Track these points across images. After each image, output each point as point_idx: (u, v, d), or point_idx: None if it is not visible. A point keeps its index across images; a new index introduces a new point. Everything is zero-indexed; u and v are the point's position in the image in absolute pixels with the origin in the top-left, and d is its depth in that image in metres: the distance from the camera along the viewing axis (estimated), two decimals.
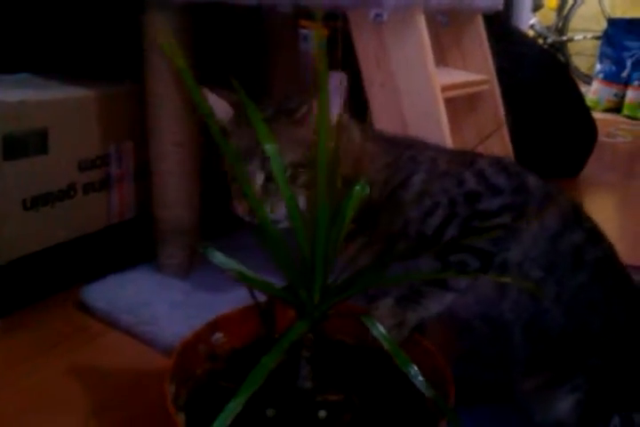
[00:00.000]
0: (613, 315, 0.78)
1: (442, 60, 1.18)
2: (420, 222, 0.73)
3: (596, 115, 3.40)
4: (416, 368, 0.56)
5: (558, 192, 0.79)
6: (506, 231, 0.73)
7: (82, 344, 1.08)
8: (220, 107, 0.78)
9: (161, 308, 1.13)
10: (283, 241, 0.57)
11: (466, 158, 0.76)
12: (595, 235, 0.80)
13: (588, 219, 0.80)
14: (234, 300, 0.74)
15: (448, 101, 1.07)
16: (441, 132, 0.93)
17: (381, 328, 0.58)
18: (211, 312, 0.78)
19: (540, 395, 0.79)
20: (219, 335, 0.76)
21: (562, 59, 4.26)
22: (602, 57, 3.64)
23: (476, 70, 1.17)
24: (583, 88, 3.74)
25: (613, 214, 2.09)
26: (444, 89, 1.00)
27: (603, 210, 2.11)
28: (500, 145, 1.19)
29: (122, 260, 1.27)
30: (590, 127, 2.23)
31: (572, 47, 4.38)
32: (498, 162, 0.77)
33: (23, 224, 1.06)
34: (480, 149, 1.22)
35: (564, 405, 0.77)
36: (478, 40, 1.16)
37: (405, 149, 0.78)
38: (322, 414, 0.64)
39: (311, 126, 0.69)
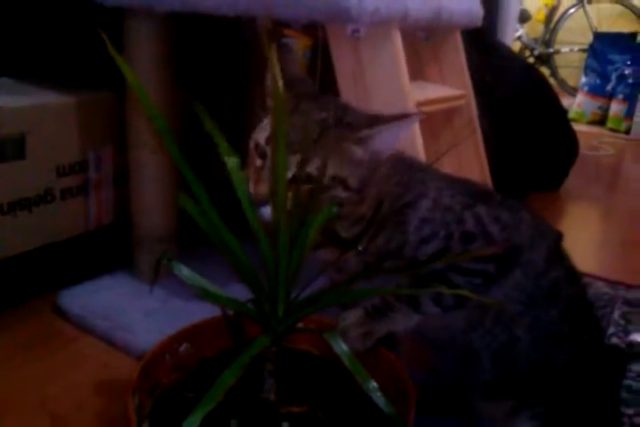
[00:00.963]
0: (577, 351, 0.81)
1: (420, 73, 1.19)
2: (416, 248, 0.74)
3: (581, 127, 3.46)
4: (375, 384, 0.57)
5: (547, 228, 0.82)
6: (486, 279, 0.75)
7: (56, 349, 1.08)
8: None
9: (136, 315, 1.13)
10: (244, 257, 0.58)
11: (466, 200, 0.77)
12: (572, 273, 0.83)
13: (568, 256, 0.83)
14: (209, 308, 0.72)
15: (423, 117, 1.09)
16: (414, 147, 0.94)
17: (343, 345, 0.58)
18: (185, 320, 0.79)
19: (501, 419, 0.81)
20: (186, 346, 0.76)
21: (548, 70, 4.31)
22: (587, 70, 3.68)
23: (453, 85, 1.18)
24: (569, 100, 3.79)
25: (594, 227, 2.11)
26: (420, 104, 1.01)
27: (584, 223, 2.13)
28: (475, 159, 1.21)
29: (99, 265, 1.27)
30: (571, 141, 2.25)
31: (558, 59, 4.42)
32: (494, 211, 0.78)
33: (0, 229, 1.06)
34: (455, 164, 1.24)
35: None
36: (456, 55, 1.17)
37: (418, 171, 0.79)
38: (285, 426, 0.65)
39: (370, 149, 0.69)
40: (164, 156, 1.14)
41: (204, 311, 0.77)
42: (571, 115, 3.60)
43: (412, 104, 0.96)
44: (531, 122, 1.98)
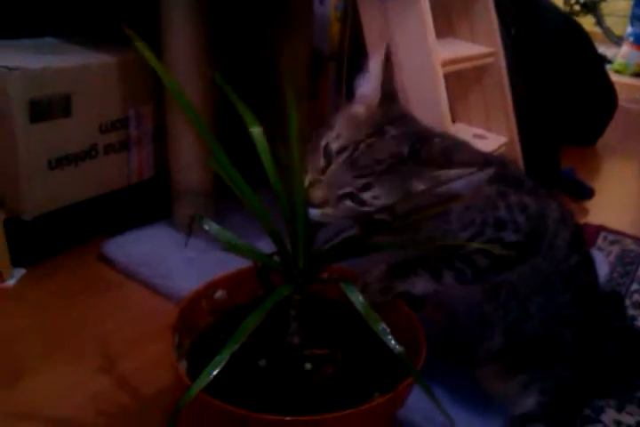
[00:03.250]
0: (583, 334, 0.87)
1: (450, 31, 1.20)
2: (456, 234, 0.78)
3: (624, 79, 3.35)
4: (385, 327, 0.62)
5: (571, 215, 0.87)
6: (508, 263, 0.80)
7: (102, 293, 1.17)
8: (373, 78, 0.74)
9: (176, 263, 1.21)
10: (266, 211, 0.63)
11: (501, 188, 0.80)
12: (587, 260, 0.88)
13: (585, 243, 0.88)
14: (244, 259, 0.76)
15: (452, 74, 1.11)
16: (439, 107, 0.97)
17: (357, 293, 0.64)
18: (222, 270, 0.84)
19: (513, 396, 0.87)
20: (222, 292, 0.83)
21: (594, 19, 4.14)
22: (633, 19, 3.53)
23: (483, 42, 1.18)
24: (614, 50, 3.67)
25: (630, 185, 2.09)
26: (447, 63, 1.03)
27: (619, 179, 2.11)
28: (504, 118, 1.22)
29: (141, 217, 1.35)
30: (610, 94, 2.21)
31: (604, 7, 4.23)
32: (523, 199, 0.81)
33: (49, 183, 1.14)
34: (483, 123, 1.26)
35: (532, 401, 0.86)
36: (487, 11, 1.17)
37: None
38: (308, 366, 0.72)
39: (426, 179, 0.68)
40: (199, 111, 1.18)
41: (239, 262, 0.80)
42: (614, 66, 3.49)
43: (438, 64, 0.98)
44: (566, 74, 1.94)
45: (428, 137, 0.73)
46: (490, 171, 0.65)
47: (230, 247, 0.63)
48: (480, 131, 1.24)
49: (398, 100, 0.76)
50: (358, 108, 0.73)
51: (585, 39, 2.08)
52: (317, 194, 0.68)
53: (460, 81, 1.22)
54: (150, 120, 1.28)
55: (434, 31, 0.95)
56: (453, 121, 1.16)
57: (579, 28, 2.05)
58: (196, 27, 1.13)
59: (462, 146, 0.81)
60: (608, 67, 2.77)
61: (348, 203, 0.69)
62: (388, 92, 0.73)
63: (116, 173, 1.27)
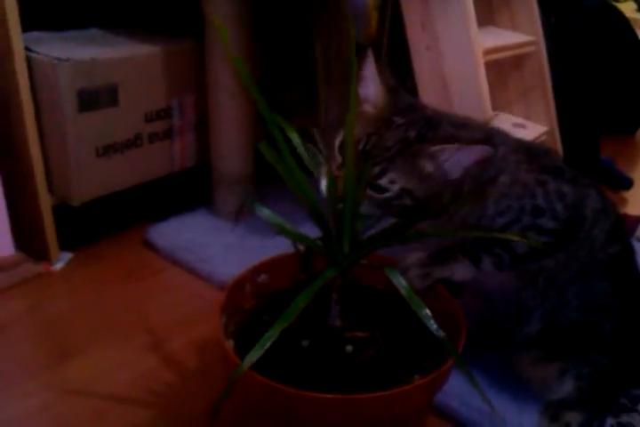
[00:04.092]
0: (622, 322, 0.87)
1: (491, 20, 1.20)
2: (491, 220, 0.80)
3: None
4: (428, 312, 0.64)
5: (612, 206, 0.88)
6: (545, 251, 0.81)
7: (148, 278, 1.21)
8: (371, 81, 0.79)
9: (216, 248, 1.24)
10: (314, 197, 0.65)
11: (540, 176, 0.81)
12: (628, 250, 0.89)
13: (626, 234, 0.89)
14: (282, 245, 0.81)
15: (493, 62, 1.11)
16: (480, 95, 0.97)
17: (401, 279, 0.66)
18: (261, 255, 0.86)
19: (550, 381, 0.88)
20: (264, 276, 0.86)
21: (635, 5, 4.02)
22: None
23: (523, 30, 1.18)
24: None
25: None
26: (489, 52, 1.03)
27: None
28: (543, 106, 1.22)
29: (183, 204, 1.39)
30: None
31: None
32: (562, 188, 0.82)
33: (96, 170, 1.17)
34: (523, 112, 1.26)
35: (568, 387, 0.87)
36: (527, 0, 1.17)
37: (501, 145, 0.81)
38: (349, 348, 0.74)
39: (440, 164, 0.73)
40: (241, 99, 1.21)
41: (278, 248, 0.85)
42: None
43: (480, 52, 0.98)
44: (606, 62, 1.92)
45: (438, 122, 0.77)
46: (484, 149, 0.69)
47: (281, 231, 0.66)
48: (520, 120, 1.24)
49: (402, 92, 0.80)
50: (367, 108, 0.78)
51: (625, 26, 2.04)
52: (339, 186, 0.72)
53: (501, 70, 1.22)
54: (193, 110, 1.31)
55: (475, 20, 0.95)
56: (494, 110, 1.16)
57: (619, 14, 2.02)
58: (239, 24, 1.15)
59: (472, 125, 0.82)
60: None
61: (369, 192, 0.74)
62: (391, 89, 0.78)
63: (159, 162, 1.30)
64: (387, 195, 0.74)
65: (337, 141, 0.77)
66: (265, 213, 0.67)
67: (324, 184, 0.74)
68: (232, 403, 0.76)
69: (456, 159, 0.72)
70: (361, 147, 0.74)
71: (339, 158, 0.76)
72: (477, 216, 0.80)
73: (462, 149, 0.71)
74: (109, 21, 1.32)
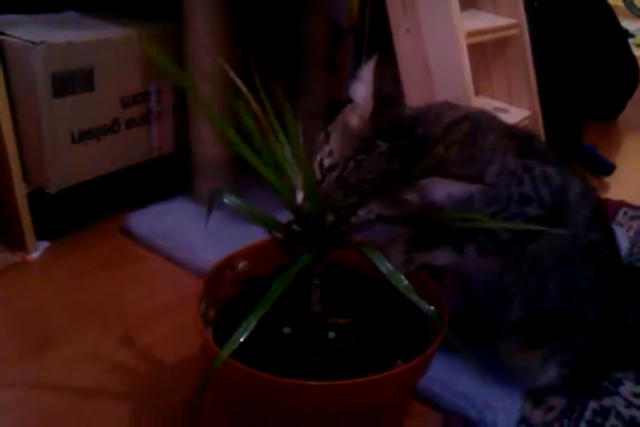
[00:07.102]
0: (605, 308, 0.87)
1: (472, 3, 1.18)
2: (480, 210, 0.78)
3: None
4: (409, 284, 0.63)
5: (593, 191, 0.87)
6: (530, 237, 0.80)
7: (125, 266, 1.20)
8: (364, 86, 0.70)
9: (196, 236, 1.22)
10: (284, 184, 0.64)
11: (527, 162, 0.80)
12: (609, 235, 0.88)
13: (607, 219, 0.89)
14: (264, 231, 0.77)
15: (476, 46, 1.09)
16: (463, 79, 0.96)
17: (381, 256, 0.65)
18: (242, 242, 0.85)
19: (533, 369, 0.88)
20: (245, 263, 0.84)
21: None
22: None
23: (506, 13, 1.17)
24: (636, 24, 3.59)
25: None
26: (471, 35, 1.02)
27: (639, 155, 2.09)
28: (526, 90, 1.21)
29: (162, 191, 1.37)
30: (632, 69, 2.17)
31: None
32: (547, 172, 0.81)
33: (72, 156, 1.15)
34: (505, 95, 1.25)
35: (552, 374, 0.87)
36: None
37: (489, 131, 0.79)
38: (331, 334, 0.74)
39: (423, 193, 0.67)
40: (220, 82, 1.19)
41: (258, 234, 0.81)
42: (637, 40, 3.42)
43: (462, 35, 0.97)
44: (588, 48, 1.92)
45: (425, 146, 0.68)
46: (480, 184, 0.64)
47: (252, 217, 0.64)
48: (502, 104, 1.23)
49: (398, 103, 0.72)
50: (352, 119, 0.70)
51: (608, 13, 2.04)
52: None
53: (483, 54, 1.21)
54: (170, 95, 1.28)
55: (458, 2, 0.94)
56: (476, 94, 1.15)
57: (602, 1, 2.02)
58: (217, 4, 1.12)
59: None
60: (630, 41, 2.71)
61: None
62: (383, 100, 0.68)
63: (137, 148, 1.28)
64: (361, 219, 0.69)
65: (318, 157, 0.70)
66: (233, 200, 0.66)
67: (300, 197, 0.69)
68: (212, 392, 0.75)
69: (444, 191, 0.66)
70: (337, 173, 0.67)
71: (318, 174, 0.69)
72: (466, 209, 0.79)
73: (452, 183, 0.64)
74: (86, 5, 1.29)
